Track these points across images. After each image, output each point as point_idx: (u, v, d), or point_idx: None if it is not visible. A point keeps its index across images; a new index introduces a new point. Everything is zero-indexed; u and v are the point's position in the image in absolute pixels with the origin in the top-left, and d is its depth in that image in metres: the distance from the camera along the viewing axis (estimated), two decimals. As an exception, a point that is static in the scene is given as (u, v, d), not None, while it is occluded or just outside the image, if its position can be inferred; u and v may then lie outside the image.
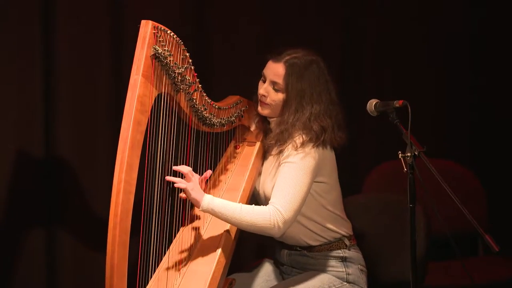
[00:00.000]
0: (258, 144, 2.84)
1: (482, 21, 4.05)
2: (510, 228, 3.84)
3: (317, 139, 2.62)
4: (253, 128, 2.90)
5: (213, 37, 3.63)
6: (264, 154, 2.83)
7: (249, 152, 2.84)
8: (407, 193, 2.35)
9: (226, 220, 2.52)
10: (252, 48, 3.67)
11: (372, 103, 2.54)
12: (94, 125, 3.42)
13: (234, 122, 2.81)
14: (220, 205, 2.50)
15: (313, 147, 2.62)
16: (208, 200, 2.49)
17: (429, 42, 4.02)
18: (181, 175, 2.50)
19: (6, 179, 3.29)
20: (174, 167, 2.47)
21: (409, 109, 2.38)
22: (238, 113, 2.82)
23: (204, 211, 2.51)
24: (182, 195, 2.53)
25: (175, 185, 2.46)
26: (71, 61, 3.36)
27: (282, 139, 2.66)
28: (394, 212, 2.98)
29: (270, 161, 2.75)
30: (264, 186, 2.74)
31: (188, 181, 2.49)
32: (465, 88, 4.09)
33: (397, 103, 2.45)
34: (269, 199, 2.61)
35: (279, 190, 2.56)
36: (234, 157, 2.87)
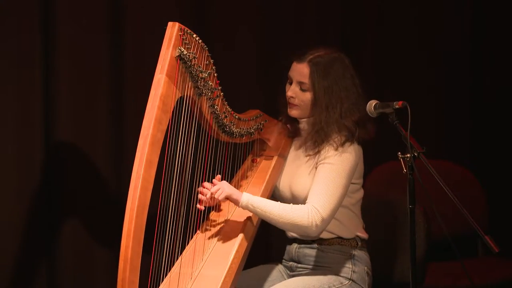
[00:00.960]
0: (275, 158, 2.85)
1: (483, 22, 4.05)
2: (510, 229, 3.84)
3: (352, 136, 2.67)
4: (271, 142, 2.91)
5: (213, 39, 3.62)
6: (282, 167, 2.85)
7: (266, 166, 2.85)
8: (407, 194, 2.35)
9: (264, 216, 2.60)
10: (251, 51, 3.67)
11: (371, 104, 2.54)
12: (94, 126, 3.42)
13: (253, 134, 2.81)
14: (259, 202, 2.60)
15: (350, 146, 2.67)
16: (247, 197, 2.58)
17: (429, 43, 4.02)
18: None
19: (6, 179, 3.28)
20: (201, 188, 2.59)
21: (409, 110, 2.39)
22: (258, 126, 2.83)
23: (244, 207, 2.59)
24: (201, 207, 2.59)
25: (218, 193, 2.57)
26: (71, 62, 3.35)
27: (319, 139, 2.69)
28: (394, 213, 2.98)
29: (303, 160, 2.77)
30: (294, 184, 2.76)
31: (218, 184, 2.59)
32: (465, 88, 4.09)
33: (397, 104, 2.45)
34: (299, 199, 2.68)
35: (318, 190, 2.61)
36: (251, 170, 2.88)
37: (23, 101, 3.30)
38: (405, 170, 2.35)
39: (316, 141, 2.70)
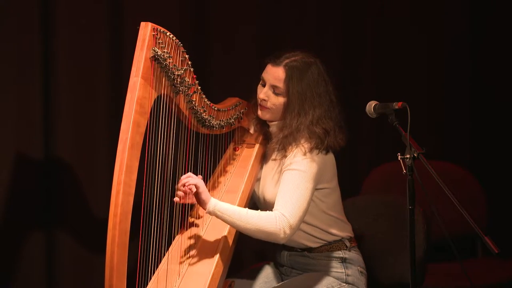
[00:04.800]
0: (257, 146, 2.84)
1: (482, 22, 4.05)
2: (510, 230, 3.84)
3: (321, 144, 2.62)
4: (252, 130, 2.90)
5: (212, 40, 3.63)
6: (263, 157, 2.83)
7: (248, 154, 2.84)
8: (407, 195, 2.35)
9: (231, 224, 2.53)
10: (251, 51, 3.67)
11: (371, 105, 2.54)
12: (94, 127, 3.42)
13: (233, 124, 2.80)
14: (226, 209, 2.51)
15: (317, 153, 2.62)
16: (214, 203, 2.50)
17: (429, 44, 4.02)
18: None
19: (6, 179, 3.28)
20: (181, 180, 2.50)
21: (409, 111, 2.38)
22: (237, 115, 2.82)
23: (210, 213, 2.51)
24: (176, 199, 2.53)
25: (187, 180, 2.49)
26: (71, 63, 3.36)
27: (287, 143, 2.65)
28: (393, 214, 2.98)
29: (271, 165, 2.75)
30: (265, 191, 2.74)
31: (197, 178, 2.52)
32: (465, 89, 4.08)
33: (397, 105, 2.45)
34: (269, 204, 2.62)
35: (284, 197, 2.56)
36: (233, 159, 2.86)
37: (23, 101, 3.30)
38: (404, 171, 2.34)
39: (283, 146, 2.66)
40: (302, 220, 2.58)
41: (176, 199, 2.54)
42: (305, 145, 2.62)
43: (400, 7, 3.98)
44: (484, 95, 4.07)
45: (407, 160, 2.34)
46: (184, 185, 2.51)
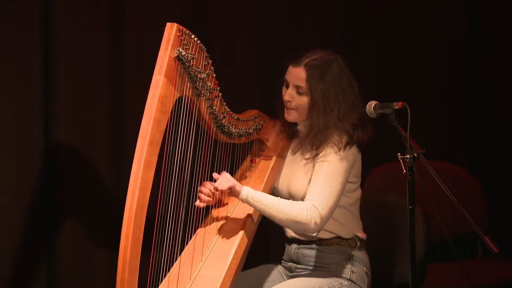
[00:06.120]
0: (274, 158, 2.86)
1: (482, 22, 4.05)
2: (510, 230, 3.84)
3: (351, 139, 2.67)
4: (270, 142, 2.91)
5: (213, 43, 3.62)
6: (281, 168, 2.85)
7: (264, 166, 2.85)
8: (407, 195, 2.35)
9: (263, 211, 2.60)
10: (251, 52, 3.67)
11: (371, 105, 2.54)
12: (94, 126, 3.42)
13: (252, 134, 2.82)
14: (259, 196, 2.60)
15: (349, 149, 2.66)
16: (247, 191, 2.58)
17: (429, 44, 4.01)
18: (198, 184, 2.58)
19: (6, 179, 3.28)
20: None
21: (409, 111, 2.39)
22: (256, 126, 2.84)
23: (243, 200, 2.60)
24: (198, 203, 2.59)
25: (220, 186, 2.58)
26: (70, 62, 3.35)
27: (318, 142, 2.69)
28: (393, 213, 2.98)
29: (302, 163, 2.76)
30: (292, 185, 2.76)
31: (221, 177, 2.59)
32: (464, 89, 4.08)
33: (397, 105, 2.45)
34: (298, 199, 2.67)
35: (316, 188, 2.61)
36: (250, 170, 2.88)
37: (23, 101, 3.30)
38: (404, 171, 2.35)
39: (314, 144, 2.70)
40: (333, 212, 2.62)
41: (198, 203, 2.59)
42: (336, 142, 2.66)
43: (400, 7, 3.98)
44: (484, 95, 4.07)
45: (407, 160, 2.34)
46: (216, 189, 2.58)
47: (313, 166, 2.69)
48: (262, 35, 3.70)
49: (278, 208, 2.58)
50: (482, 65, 4.06)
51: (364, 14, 3.91)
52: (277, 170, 2.84)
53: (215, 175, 2.63)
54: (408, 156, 2.34)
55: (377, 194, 3.39)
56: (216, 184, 2.59)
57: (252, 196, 2.59)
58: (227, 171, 2.67)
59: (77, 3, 3.36)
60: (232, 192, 2.61)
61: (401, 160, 2.36)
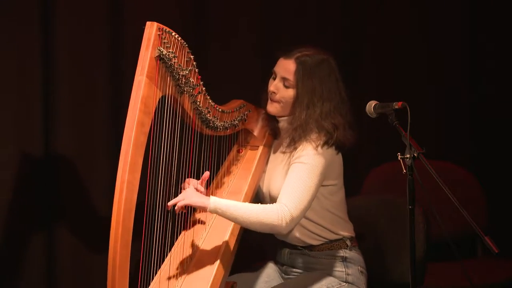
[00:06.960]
0: (261, 148, 2.85)
1: (482, 22, 4.05)
2: (510, 230, 3.84)
3: (331, 138, 2.64)
4: (256, 132, 2.90)
5: (212, 42, 3.62)
6: (267, 157, 2.84)
7: (252, 156, 2.84)
8: (406, 195, 2.35)
9: (233, 219, 2.53)
10: (250, 51, 3.67)
11: (371, 105, 2.54)
12: (94, 126, 3.42)
13: (237, 125, 2.81)
14: (227, 205, 2.51)
15: (327, 149, 2.64)
16: (213, 201, 2.50)
17: (429, 43, 4.02)
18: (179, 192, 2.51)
19: (6, 179, 3.28)
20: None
21: (409, 111, 2.38)
22: (242, 116, 2.82)
23: (212, 212, 2.51)
24: (177, 209, 2.50)
25: (179, 205, 2.46)
26: (70, 61, 3.35)
27: (297, 136, 2.67)
28: (393, 213, 2.98)
29: (280, 159, 2.75)
30: (271, 184, 2.75)
31: (183, 193, 2.50)
32: (464, 89, 4.08)
33: (397, 105, 2.45)
34: (275, 198, 2.63)
35: (288, 189, 2.58)
36: (237, 161, 2.87)
37: (23, 101, 3.30)
38: (404, 171, 2.34)
39: (294, 138, 2.68)
40: (304, 212, 2.59)
41: (169, 207, 2.49)
42: (314, 139, 2.64)
43: (400, 6, 3.98)
44: (484, 95, 4.07)
45: (407, 160, 2.34)
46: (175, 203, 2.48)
47: (289, 166, 2.66)
48: (262, 33, 3.70)
49: (247, 213, 2.51)
50: (482, 65, 4.06)
51: (364, 13, 3.92)
52: (264, 160, 2.82)
53: (205, 176, 2.61)
54: (408, 156, 2.34)
55: (377, 194, 3.39)
56: (175, 201, 2.46)
57: (220, 206, 2.49)
58: (214, 164, 2.65)
59: (77, 3, 3.36)
60: (198, 208, 2.56)
61: (401, 160, 2.35)
